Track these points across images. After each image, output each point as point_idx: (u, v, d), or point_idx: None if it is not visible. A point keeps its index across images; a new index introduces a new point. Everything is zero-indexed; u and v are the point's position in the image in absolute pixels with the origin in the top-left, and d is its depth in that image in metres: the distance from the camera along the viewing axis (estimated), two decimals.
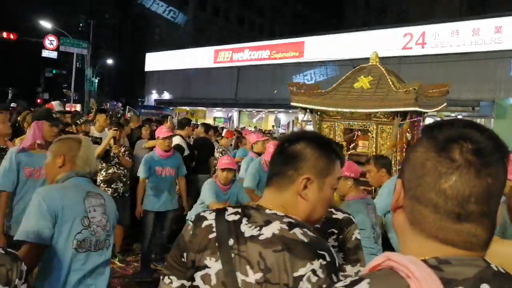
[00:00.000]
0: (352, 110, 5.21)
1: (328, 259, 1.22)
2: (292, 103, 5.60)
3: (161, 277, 1.39)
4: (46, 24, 31.05)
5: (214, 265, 1.28)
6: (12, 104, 18.61)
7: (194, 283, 1.31)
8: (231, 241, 1.28)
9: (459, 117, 20.28)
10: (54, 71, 41.17)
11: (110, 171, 5.65)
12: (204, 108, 32.26)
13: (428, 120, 6.17)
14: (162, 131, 5.50)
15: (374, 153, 5.17)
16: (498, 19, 19.41)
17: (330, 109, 5.40)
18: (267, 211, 1.34)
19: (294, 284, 1.19)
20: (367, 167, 4.40)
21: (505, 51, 18.94)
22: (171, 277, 1.36)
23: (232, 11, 53.66)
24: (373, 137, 5.24)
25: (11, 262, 1.38)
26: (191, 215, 4.61)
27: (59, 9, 45.95)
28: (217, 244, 1.29)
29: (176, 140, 6.45)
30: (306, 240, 1.24)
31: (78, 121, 6.27)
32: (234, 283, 1.24)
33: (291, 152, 1.39)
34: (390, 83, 5.06)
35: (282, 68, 27.32)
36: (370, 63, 5.61)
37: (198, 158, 7.00)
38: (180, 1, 51.18)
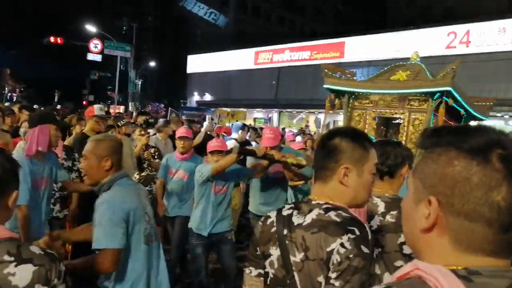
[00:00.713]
0: (384, 91, 5.03)
1: (357, 233, 1.43)
2: (324, 85, 5.39)
3: (244, 269, 1.73)
4: (91, 28, 32.01)
5: (275, 253, 1.58)
6: (58, 106, 19.26)
7: (265, 270, 1.62)
8: (285, 231, 1.57)
9: (506, 117, 19.52)
10: (97, 74, 42.41)
11: (143, 173, 5.75)
12: (245, 109, 32.41)
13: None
14: (179, 130, 5.23)
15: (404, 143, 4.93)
16: None
17: (362, 90, 5.21)
18: (313, 202, 1.59)
19: (327, 257, 1.42)
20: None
21: None
22: (250, 268, 1.69)
23: (272, 11, 53.64)
24: (404, 125, 4.99)
25: (49, 262, 1.42)
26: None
27: (103, 13, 47.34)
28: (276, 236, 1.59)
29: (231, 144, 5.99)
30: (338, 220, 1.47)
31: (119, 123, 6.38)
32: (288, 265, 1.52)
33: (330, 147, 1.60)
34: (429, 74, 4.88)
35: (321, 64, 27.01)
36: (411, 62, 5.46)
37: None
38: (221, 2, 51.65)
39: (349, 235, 1.42)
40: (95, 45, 29.44)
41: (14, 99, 39.75)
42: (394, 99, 4.97)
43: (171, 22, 57.84)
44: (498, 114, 19.52)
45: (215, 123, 7.64)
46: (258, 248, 1.66)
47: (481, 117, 5.58)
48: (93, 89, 47.36)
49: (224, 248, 4.21)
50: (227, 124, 20.99)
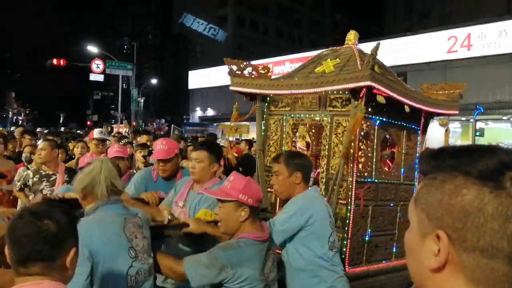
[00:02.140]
0: (293, 91, 3.79)
1: None
2: (230, 88, 4.24)
3: None
4: (92, 48, 32.28)
5: None
6: (62, 128, 19.36)
7: None
8: None
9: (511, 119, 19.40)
10: (100, 93, 42.73)
11: None
12: (248, 123, 32.41)
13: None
14: (111, 149, 4.69)
15: (345, 151, 3.52)
16: None
17: (269, 91, 4.01)
18: None
19: None
20: (274, 167, 3.07)
21: None
22: None
23: (270, 25, 54.02)
24: (327, 134, 3.75)
25: None
26: None
27: (104, 34, 47.81)
28: None
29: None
30: None
31: (120, 143, 6.34)
32: None
33: None
34: (359, 63, 3.66)
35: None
36: (345, 45, 4.24)
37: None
38: (219, 18, 52.08)
39: None
40: (97, 65, 29.62)
41: (20, 123, 40.02)
42: (313, 99, 3.82)
43: (171, 39, 58.30)
44: (504, 117, 19.40)
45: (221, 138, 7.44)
46: None
47: (443, 112, 4.26)
48: (96, 109, 47.60)
49: None
50: (230, 138, 20.99)
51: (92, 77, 30.48)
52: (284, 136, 4.12)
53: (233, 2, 52.01)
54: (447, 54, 20.55)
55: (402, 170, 4.01)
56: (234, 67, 4.19)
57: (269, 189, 3.92)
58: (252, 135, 27.40)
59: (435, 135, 5.64)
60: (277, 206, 3.85)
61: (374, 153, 3.71)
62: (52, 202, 1.50)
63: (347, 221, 3.48)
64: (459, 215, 0.72)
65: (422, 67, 20.08)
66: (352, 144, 3.42)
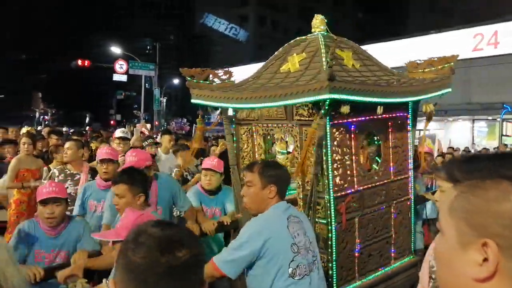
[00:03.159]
0: (253, 105, 3.35)
1: None
2: (192, 100, 3.83)
3: None
4: (116, 49, 32.76)
5: None
6: (87, 128, 19.71)
7: None
8: None
9: None
10: (123, 93, 43.35)
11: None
12: None
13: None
14: (101, 151, 4.41)
15: (299, 168, 3.17)
16: None
17: (227, 105, 3.64)
18: None
19: None
20: (246, 176, 2.69)
21: None
22: None
23: (291, 24, 53.86)
24: (298, 145, 3.40)
25: None
26: None
27: (127, 34, 48.40)
28: None
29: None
30: None
31: (143, 144, 6.41)
32: None
33: None
34: (324, 60, 3.17)
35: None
36: (312, 33, 3.70)
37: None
38: (241, 18, 52.17)
39: None
40: (120, 65, 30.09)
41: (46, 122, 40.87)
42: (279, 109, 3.46)
43: (192, 40, 58.67)
44: None
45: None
46: None
47: (432, 95, 3.56)
48: (119, 109, 48.28)
49: None
50: None
51: (116, 77, 30.98)
52: (256, 148, 3.81)
53: (254, 1, 52.07)
54: (472, 53, 20.15)
55: (391, 167, 3.66)
56: (192, 77, 3.77)
57: None
58: None
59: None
60: None
61: (353, 160, 3.31)
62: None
63: (329, 242, 3.13)
64: (508, 222, 0.70)
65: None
66: (323, 157, 3.08)
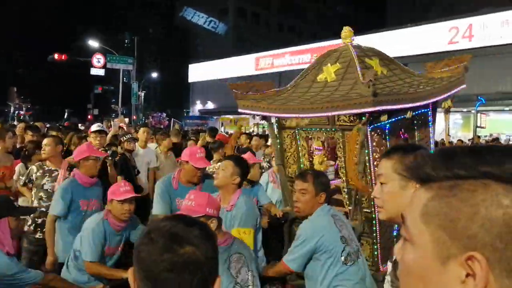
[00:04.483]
0: (297, 116, 3.82)
1: None
2: (239, 109, 4.26)
3: None
4: (93, 43, 32.29)
5: None
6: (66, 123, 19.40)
7: None
8: None
9: None
10: (100, 87, 42.81)
11: None
12: (248, 116, 32.38)
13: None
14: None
15: (345, 172, 3.81)
16: None
17: (277, 115, 4.03)
18: None
19: None
20: (300, 184, 3.06)
21: None
22: None
23: (272, 17, 53.79)
24: (340, 147, 3.85)
25: None
26: None
27: (105, 28, 47.71)
28: None
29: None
30: None
31: (122, 139, 6.35)
32: None
33: None
34: (359, 71, 3.58)
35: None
36: (342, 43, 4.12)
37: None
38: (220, 11, 51.85)
39: None
40: (97, 59, 29.69)
41: (21, 117, 40.07)
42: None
43: (171, 33, 58.14)
44: (506, 108, 19.34)
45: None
46: None
47: (447, 94, 4.07)
48: (97, 103, 47.62)
49: None
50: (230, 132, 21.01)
51: (93, 71, 30.55)
52: (299, 148, 4.29)
53: None
54: (448, 45, 20.46)
55: None
56: (238, 90, 4.19)
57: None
58: (253, 128, 27.34)
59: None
60: None
61: None
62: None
63: (373, 228, 3.71)
64: (500, 231, 0.59)
65: (424, 59, 20.00)
66: (366, 158, 3.54)
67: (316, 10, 56.01)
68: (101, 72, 30.80)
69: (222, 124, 29.55)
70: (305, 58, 29.28)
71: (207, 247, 1.11)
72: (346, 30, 4.07)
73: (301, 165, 4.18)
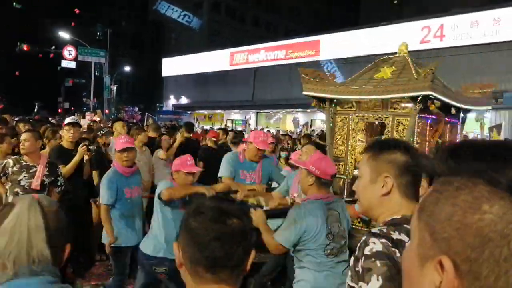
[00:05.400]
0: (363, 97, 4.56)
1: None
2: (303, 92, 4.95)
3: None
4: (64, 35, 31.54)
5: None
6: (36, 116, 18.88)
7: None
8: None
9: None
10: (71, 80, 41.89)
11: None
12: (222, 111, 32.28)
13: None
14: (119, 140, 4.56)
15: None
16: None
17: (343, 96, 4.76)
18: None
19: None
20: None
21: None
22: None
23: (247, 12, 53.63)
24: (388, 131, 4.53)
25: None
26: None
27: (77, 20, 46.65)
28: None
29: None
30: None
31: (98, 134, 6.23)
32: None
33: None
34: (413, 71, 4.33)
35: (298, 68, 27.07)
36: (398, 54, 4.94)
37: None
38: (195, 5, 51.40)
39: None
40: (69, 52, 29.08)
41: None
42: (377, 102, 4.58)
43: (145, 26, 57.36)
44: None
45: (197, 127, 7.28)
46: None
47: (479, 108, 5.28)
48: (68, 96, 46.60)
49: None
50: (205, 127, 20.89)
51: (64, 63, 29.93)
52: (350, 132, 4.83)
53: None
54: (420, 44, 20.85)
55: None
56: (307, 75, 4.89)
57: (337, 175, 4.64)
58: (227, 123, 27.23)
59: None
60: (345, 190, 4.46)
61: (426, 146, 4.40)
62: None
63: None
64: (474, 241, 0.53)
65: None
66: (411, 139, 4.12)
67: (291, 5, 56.11)
68: (72, 64, 30.17)
69: (196, 119, 29.38)
70: (281, 55, 29.36)
71: (248, 221, 1.28)
72: (404, 45, 4.84)
73: (349, 147, 4.72)
